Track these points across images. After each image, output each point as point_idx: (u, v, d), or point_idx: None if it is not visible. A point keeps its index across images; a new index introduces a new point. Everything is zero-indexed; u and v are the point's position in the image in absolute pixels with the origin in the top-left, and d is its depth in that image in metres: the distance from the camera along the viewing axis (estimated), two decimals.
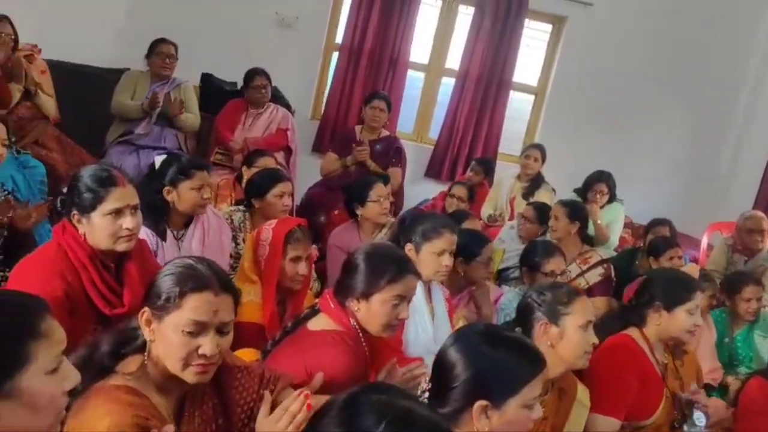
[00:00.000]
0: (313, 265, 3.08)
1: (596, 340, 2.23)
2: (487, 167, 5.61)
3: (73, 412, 1.43)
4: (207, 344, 1.54)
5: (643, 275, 4.13)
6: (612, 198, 5.06)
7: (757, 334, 3.82)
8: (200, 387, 1.64)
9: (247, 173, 4.03)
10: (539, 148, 5.37)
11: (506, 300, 3.35)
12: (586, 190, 5.06)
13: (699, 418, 2.46)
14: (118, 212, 2.15)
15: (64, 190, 2.24)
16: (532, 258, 3.39)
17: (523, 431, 1.64)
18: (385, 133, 5.17)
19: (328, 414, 1.20)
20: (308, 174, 5.29)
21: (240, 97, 5.12)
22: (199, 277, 1.57)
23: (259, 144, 4.81)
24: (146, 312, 1.59)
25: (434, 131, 6.39)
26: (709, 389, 3.29)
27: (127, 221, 2.16)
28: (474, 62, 6.06)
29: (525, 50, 6.25)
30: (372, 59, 6.01)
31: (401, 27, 5.97)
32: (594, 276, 3.92)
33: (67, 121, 4.34)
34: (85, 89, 4.77)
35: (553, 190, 5.34)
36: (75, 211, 2.16)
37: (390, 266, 2.09)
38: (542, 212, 4.40)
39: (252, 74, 4.96)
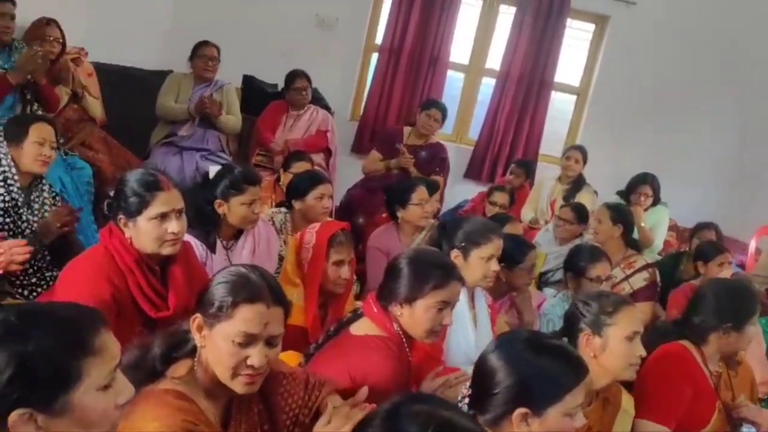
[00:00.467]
0: None
1: (643, 353, 2.17)
2: (528, 169, 5.56)
3: (123, 414, 1.44)
4: (256, 356, 1.54)
5: (688, 280, 4.13)
6: (656, 201, 4.97)
7: None
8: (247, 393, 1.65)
9: (284, 177, 4.06)
10: (580, 149, 5.29)
11: (549, 305, 3.30)
12: (629, 192, 4.98)
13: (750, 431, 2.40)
14: (163, 216, 2.17)
15: (111, 193, 2.27)
16: (577, 262, 3.30)
17: None
18: (433, 139, 5.15)
19: (372, 424, 1.21)
20: (347, 175, 5.31)
21: (281, 98, 5.15)
22: (252, 288, 1.57)
23: (299, 145, 4.84)
24: (198, 318, 1.59)
25: (474, 132, 6.35)
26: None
27: (173, 225, 2.18)
28: (515, 62, 6.00)
29: (567, 50, 6.17)
30: (412, 60, 6.00)
31: (441, 27, 5.94)
32: (638, 281, 3.84)
33: (112, 122, 4.42)
34: (130, 91, 4.84)
35: (595, 192, 5.27)
36: (121, 215, 2.19)
37: (435, 272, 2.07)
38: (580, 213, 4.35)
39: (293, 76, 4.99)
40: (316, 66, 5.29)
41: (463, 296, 2.53)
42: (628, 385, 2.36)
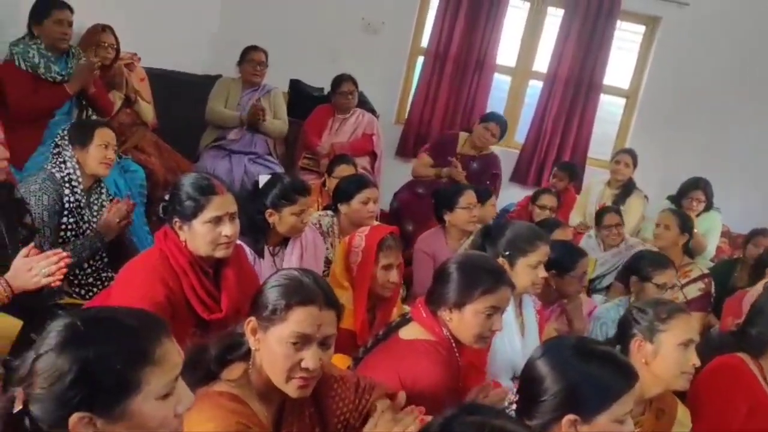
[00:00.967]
0: None
1: (697, 362, 2.11)
2: (571, 172, 5.45)
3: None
4: (309, 358, 1.56)
5: (742, 288, 4.01)
6: (709, 206, 4.86)
7: None
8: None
9: (329, 182, 4.09)
10: (630, 152, 5.20)
11: (603, 309, 3.23)
12: (680, 197, 4.89)
13: None
14: (217, 220, 2.20)
15: (166, 196, 2.31)
16: (644, 267, 3.18)
17: None
18: (487, 149, 5.12)
19: None
20: (392, 178, 5.31)
21: (327, 102, 5.19)
22: (305, 291, 1.58)
23: (345, 149, 4.86)
24: (252, 321, 1.61)
25: (520, 135, 6.29)
26: None
27: (226, 228, 2.21)
28: (563, 64, 5.93)
29: (616, 52, 6.07)
30: (458, 63, 5.98)
31: (488, 30, 5.91)
32: (693, 290, 3.77)
33: (162, 126, 4.50)
34: (180, 95, 4.92)
35: (645, 197, 5.17)
36: (176, 219, 2.23)
37: (484, 277, 2.06)
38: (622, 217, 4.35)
39: (340, 80, 5.02)
40: (362, 69, 5.30)
41: (510, 304, 2.51)
42: (682, 397, 2.30)
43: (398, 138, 6.14)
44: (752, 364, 2.39)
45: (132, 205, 3.00)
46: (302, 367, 1.56)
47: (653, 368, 2.08)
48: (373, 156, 5.17)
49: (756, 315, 2.44)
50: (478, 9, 5.86)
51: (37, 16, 3.57)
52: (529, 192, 5.38)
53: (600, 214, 4.60)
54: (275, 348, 1.56)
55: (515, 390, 1.75)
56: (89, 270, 2.88)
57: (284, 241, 3.05)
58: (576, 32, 5.86)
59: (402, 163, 5.96)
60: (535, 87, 6.22)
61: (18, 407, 1.16)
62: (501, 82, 6.34)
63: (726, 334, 2.93)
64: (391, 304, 2.81)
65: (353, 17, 5.98)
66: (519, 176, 6.14)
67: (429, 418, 1.57)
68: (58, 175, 2.84)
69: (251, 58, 4.76)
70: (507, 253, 2.62)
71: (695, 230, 4.58)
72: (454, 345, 2.10)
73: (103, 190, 3.04)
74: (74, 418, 1.15)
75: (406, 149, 6.12)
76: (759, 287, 3.33)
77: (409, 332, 2.14)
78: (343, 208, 3.55)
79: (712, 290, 3.83)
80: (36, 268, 2.11)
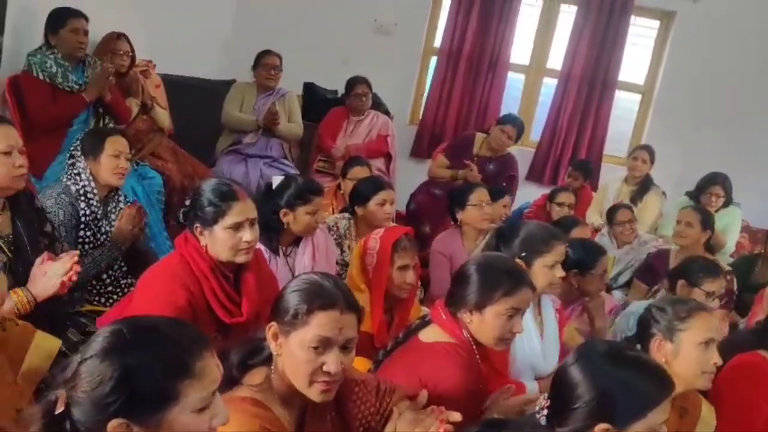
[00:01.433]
0: None
1: (719, 360, 2.08)
2: (586, 170, 5.41)
3: None
4: (331, 361, 1.56)
5: (765, 284, 3.97)
6: (728, 201, 4.82)
7: None
8: None
9: (344, 184, 4.10)
10: (647, 149, 5.17)
11: (637, 304, 3.19)
12: (699, 193, 4.85)
13: None
14: (238, 226, 2.22)
15: (187, 202, 2.33)
16: (695, 273, 3.10)
17: None
18: (504, 151, 5.11)
19: None
20: (407, 179, 5.31)
21: (341, 104, 5.19)
22: (326, 295, 1.59)
23: (360, 151, 4.87)
24: (273, 326, 1.62)
25: (535, 133, 6.26)
26: None
27: (247, 234, 2.23)
28: (577, 61, 5.90)
29: (631, 48, 6.02)
30: (471, 62, 5.97)
31: (501, 28, 5.90)
32: None
33: (178, 132, 4.51)
34: (195, 101, 4.93)
35: (663, 193, 5.13)
36: (197, 224, 2.25)
37: (504, 278, 2.05)
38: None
39: (353, 82, 5.02)
40: (376, 71, 5.30)
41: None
42: (704, 394, 2.28)
43: (413, 139, 6.14)
44: None
45: (142, 210, 2.98)
46: (324, 371, 1.56)
47: (674, 368, 2.04)
48: (388, 157, 5.17)
49: None
50: (491, 7, 5.85)
51: (52, 26, 3.60)
52: (545, 191, 5.36)
53: (612, 211, 4.57)
54: (297, 352, 1.57)
55: (546, 395, 1.72)
56: (108, 279, 2.88)
57: (296, 242, 3.08)
58: (590, 29, 5.83)
59: (416, 164, 5.96)
60: (549, 85, 6.19)
61: (60, 409, 1.18)
62: (515, 81, 6.30)
63: (749, 331, 2.90)
64: (409, 305, 2.81)
65: (366, 19, 5.99)
66: (535, 175, 6.12)
67: (451, 427, 1.56)
68: (73, 188, 2.82)
69: (265, 63, 4.78)
70: (523, 254, 2.59)
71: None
72: (474, 347, 2.09)
73: (121, 198, 3.03)
74: (113, 423, 1.17)
75: (420, 150, 6.12)
76: None
77: (429, 335, 2.13)
78: (359, 210, 3.56)
79: (735, 287, 3.79)
80: (50, 271, 2.15)
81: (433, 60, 6.18)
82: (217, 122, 4.85)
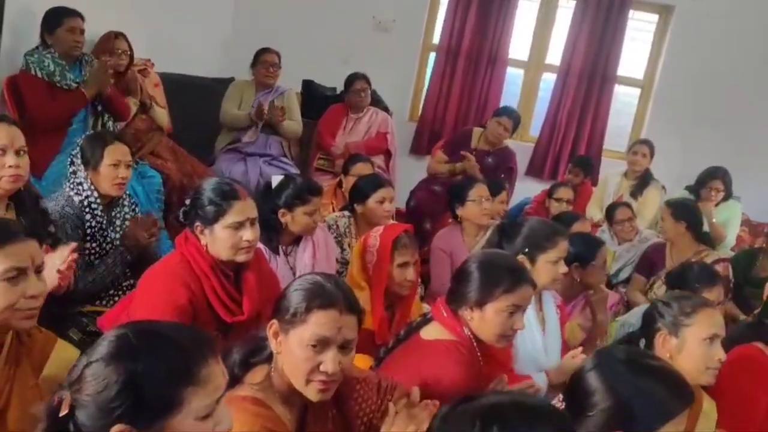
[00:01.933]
0: None
1: (723, 356, 2.08)
2: (586, 166, 5.39)
3: None
4: (329, 362, 1.56)
5: (766, 278, 3.96)
6: (728, 195, 4.81)
7: None
8: None
9: (346, 181, 4.09)
10: (647, 143, 5.17)
11: (634, 317, 3.19)
12: (699, 187, 4.85)
13: None
14: (239, 225, 2.22)
15: (187, 201, 2.33)
16: (691, 282, 2.98)
17: None
18: (502, 144, 5.10)
19: None
20: (407, 176, 5.31)
21: (340, 102, 5.19)
22: (327, 295, 1.59)
23: (360, 148, 4.86)
24: (274, 324, 1.62)
25: (535, 129, 6.26)
26: None
27: (247, 233, 2.23)
28: (576, 56, 5.89)
29: (630, 42, 6.01)
30: (470, 58, 5.96)
31: (499, 24, 5.88)
32: None
33: (177, 131, 4.51)
34: (194, 99, 4.93)
35: (663, 187, 5.13)
36: (198, 223, 2.25)
37: (505, 275, 2.05)
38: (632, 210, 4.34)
39: (352, 79, 5.02)
40: (374, 68, 5.30)
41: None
42: (704, 388, 2.28)
43: (412, 135, 6.13)
44: None
45: (156, 221, 2.93)
46: (321, 371, 1.56)
47: (678, 363, 2.04)
48: (388, 154, 5.17)
49: None
50: (489, 3, 5.84)
51: (49, 25, 3.59)
52: (545, 186, 5.36)
53: (611, 209, 4.57)
54: (295, 350, 1.57)
55: (561, 398, 1.70)
56: (108, 281, 2.86)
57: (296, 240, 3.09)
58: (588, 23, 5.82)
59: (416, 161, 5.96)
60: (548, 80, 6.18)
61: (64, 411, 1.18)
62: (514, 76, 6.30)
63: (746, 325, 2.89)
64: (410, 302, 2.81)
65: (364, 16, 5.98)
66: (534, 170, 6.11)
67: None
68: (76, 199, 2.77)
69: (264, 60, 4.78)
70: (526, 250, 2.59)
71: (713, 220, 4.55)
72: (475, 344, 2.09)
73: (125, 202, 2.98)
74: (116, 428, 1.17)
75: (420, 146, 6.11)
76: None
77: (430, 332, 2.14)
78: (359, 208, 3.56)
79: (730, 275, 3.79)
80: (50, 262, 2.09)
81: (432, 56, 6.16)
82: (216, 121, 4.84)
